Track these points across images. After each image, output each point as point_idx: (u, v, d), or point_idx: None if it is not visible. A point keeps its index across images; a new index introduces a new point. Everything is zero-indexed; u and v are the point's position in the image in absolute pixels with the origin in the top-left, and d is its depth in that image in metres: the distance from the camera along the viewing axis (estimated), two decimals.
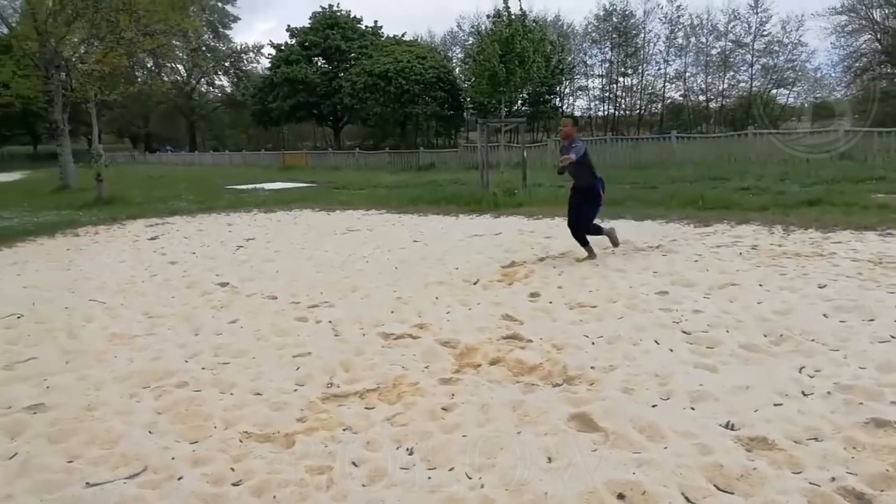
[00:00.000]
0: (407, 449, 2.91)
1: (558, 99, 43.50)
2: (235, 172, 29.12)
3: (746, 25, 40.21)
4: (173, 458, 2.91)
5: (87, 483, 2.73)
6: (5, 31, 21.71)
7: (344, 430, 3.14)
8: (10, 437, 3.24)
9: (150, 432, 3.21)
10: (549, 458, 2.76)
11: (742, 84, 42.00)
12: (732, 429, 2.90)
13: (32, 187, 21.93)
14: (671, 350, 3.95)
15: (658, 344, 4.06)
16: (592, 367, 3.72)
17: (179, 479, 2.74)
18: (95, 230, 10.89)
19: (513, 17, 19.04)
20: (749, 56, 40.70)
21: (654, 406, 3.18)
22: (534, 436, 2.95)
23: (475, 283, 5.95)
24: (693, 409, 3.14)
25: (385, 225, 10.57)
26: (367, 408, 3.40)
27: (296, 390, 3.68)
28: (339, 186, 18.84)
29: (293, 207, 13.33)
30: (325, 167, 30.22)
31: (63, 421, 3.37)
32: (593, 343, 4.17)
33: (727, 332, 4.21)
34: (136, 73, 36.76)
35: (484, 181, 13.89)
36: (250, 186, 19.45)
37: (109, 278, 6.99)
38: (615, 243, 6.82)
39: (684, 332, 4.24)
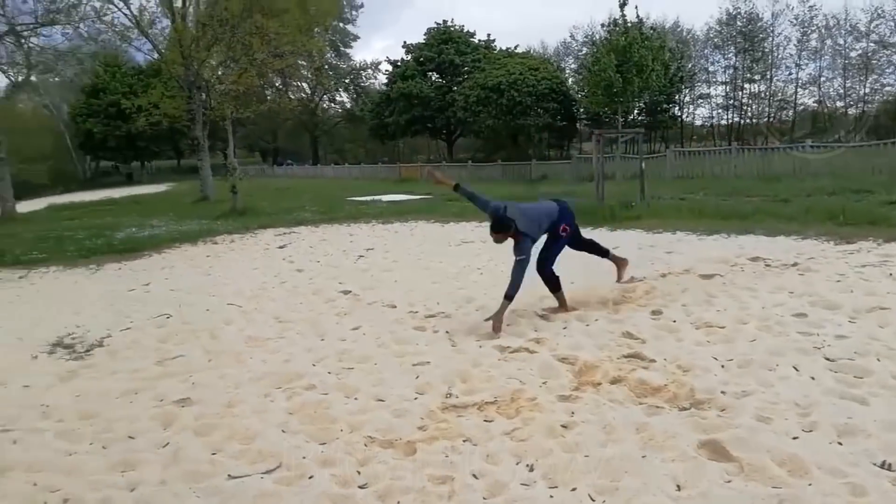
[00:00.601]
0: (527, 465, 2.90)
1: (678, 108, 41.76)
2: (354, 185, 30.41)
3: (893, 24, 36.61)
4: (304, 458, 3.08)
5: (229, 475, 2.95)
6: (156, 56, 23.99)
7: (464, 441, 3.17)
8: (164, 427, 3.57)
9: (283, 431, 3.41)
10: (679, 486, 2.64)
11: (888, 88, 38.23)
12: (890, 469, 2.63)
13: (176, 198, 24.09)
14: (813, 378, 3.65)
15: (797, 371, 3.77)
16: (723, 392, 3.52)
17: (310, 477, 2.89)
18: (231, 238, 11.77)
19: (629, 24, 18.57)
20: None
21: (794, 438, 2.96)
22: (660, 461, 2.84)
23: (590, 299, 5.82)
24: (841, 444, 2.88)
25: None
26: (485, 420, 3.42)
27: (416, 398, 3.77)
28: (452, 198, 19.13)
29: (409, 219, 13.70)
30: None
31: (207, 416, 3.66)
32: (723, 366, 3.95)
33: (878, 360, 3.83)
34: (266, 92, 39.47)
35: (599, 193, 13.58)
36: (369, 198, 20.23)
37: (244, 284, 7.52)
38: (561, 304, 5.47)
39: (827, 359, 3.90)
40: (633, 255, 7.86)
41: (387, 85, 46.17)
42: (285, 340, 5.14)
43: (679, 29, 43.63)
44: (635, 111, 33.34)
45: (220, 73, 22.02)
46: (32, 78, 19.79)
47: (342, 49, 54.64)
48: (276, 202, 19.17)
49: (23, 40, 17.27)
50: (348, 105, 57.45)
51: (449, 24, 44.43)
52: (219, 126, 22.76)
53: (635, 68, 16.90)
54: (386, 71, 48.09)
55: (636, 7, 27.56)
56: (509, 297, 4.98)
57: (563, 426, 3.27)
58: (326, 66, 50.38)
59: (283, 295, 6.88)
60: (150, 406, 3.88)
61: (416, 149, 57.32)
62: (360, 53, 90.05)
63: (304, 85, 52.30)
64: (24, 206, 21.72)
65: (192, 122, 22.03)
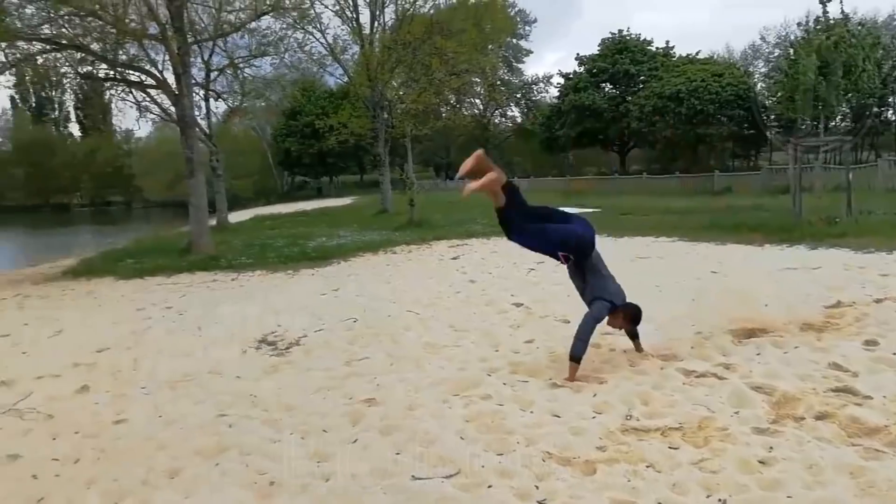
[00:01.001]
0: (720, 500, 2.69)
1: (891, 111, 36.59)
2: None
3: None
4: (482, 466, 3.12)
5: (413, 476, 3.08)
6: (346, 80, 26.09)
7: (647, 466, 3.02)
8: (352, 424, 3.83)
9: (461, 438, 3.50)
10: None
11: None
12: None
13: (359, 211, 25.96)
14: None
15: None
16: None
17: (489, 487, 2.93)
18: (409, 249, 12.41)
19: (833, 21, 16.64)
20: None
21: None
22: None
23: (788, 323, 5.27)
24: None
25: (677, 253, 10.03)
26: (670, 447, 3.23)
27: (594, 417, 3.67)
28: (625, 212, 18.50)
29: None
30: (610, 192, 29.98)
31: (390, 416, 3.86)
32: None
33: None
34: (441, 110, 41.20)
35: (796, 207, 12.32)
36: None
37: (421, 292, 7.88)
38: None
39: None
40: (840, 277, 7.02)
41: (558, 98, 45.96)
42: (461, 349, 5.29)
43: (895, 23, 38.33)
44: (838, 117, 29.81)
45: (401, 92, 23.41)
46: (245, 104, 22.47)
47: (514, 64, 55.42)
48: (449, 215, 19.87)
49: (239, 71, 19.83)
50: (519, 119, 58.06)
51: (624, 33, 43.20)
52: (399, 143, 24.19)
53: (842, 69, 15.08)
54: (557, 84, 47.91)
55: (840, 2, 24.71)
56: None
57: (760, 462, 2.99)
58: (499, 82, 51.41)
59: (458, 304, 7.09)
60: (340, 403, 4.19)
61: (585, 161, 56.31)
62: (533, 68, 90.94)
63: (477, 101, 53.80)
64: (233, 217, 24.71)
65: (376, 140, 23.65)
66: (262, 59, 19.86)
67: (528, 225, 4.34)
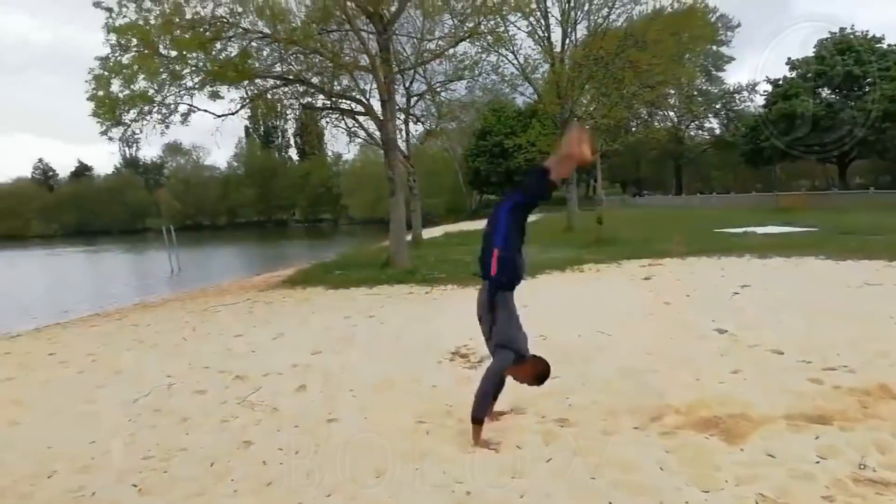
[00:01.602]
0: None
1: None
2: (722, 215, 28.37)
3: None
4: (687, 502, 2.94)
5: (610, 503, 2.99)
6: (535, 98, 26.36)
7: None
8: (545, 443, 3.82)
9: (660, 469, 3.32)
10: None
11: None
12: None
13: (545, 228, 25.94)
14: None
15: None
16: None
17: None
18: (596, 268, 12.13)
19: None
20: None
21: None
22: None
23: None
24: None
25: None
26: None
27: (818, 462, 3.28)
28: (847, 231, 16.32)
29: (791, 254, 12.14)
30: (828, 209, 26.68)
31: (584, 438, 3.79)
32: None
33: None
34: (632, 124, 39.82)
35: None
36: (740, 230, 18.64)
37: (611, 313, 7.64)
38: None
39: None
40: None
41: (764, 106, 42.11)
42: (657, 374, 5.03)
43: None
44: None
45: (591, 108, 23.08)
46: (440, 126, 23.73)
47: (714, 73, 51.93)
48: (639, 233, 19.10)
49: (436, 95, 21.04)
50: (717, 131, 54.17)
51: (847, 31, 38.40)
52: None
53: None
54: (764, 91, 43.94)
55: None
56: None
57: None
58: (696, 93, 48.48)
59: (652, 327, 6.76)
60: (532, 421, 4.21)
61: (795, 174, 50.76)
62: (735, 75, 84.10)
63: (671, 113, 51.20)
64: (426, 233, 26.05)
65: None
66: (458, 82, 20.87)
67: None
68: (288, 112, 17.68)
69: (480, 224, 30.25)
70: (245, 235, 53.33)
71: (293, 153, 76.10)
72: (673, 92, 37.38)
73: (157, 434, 4.64)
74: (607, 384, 4.87)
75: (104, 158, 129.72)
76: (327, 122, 18.00)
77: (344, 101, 15.10)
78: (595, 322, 7.17)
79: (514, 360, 3.92)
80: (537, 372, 3.98)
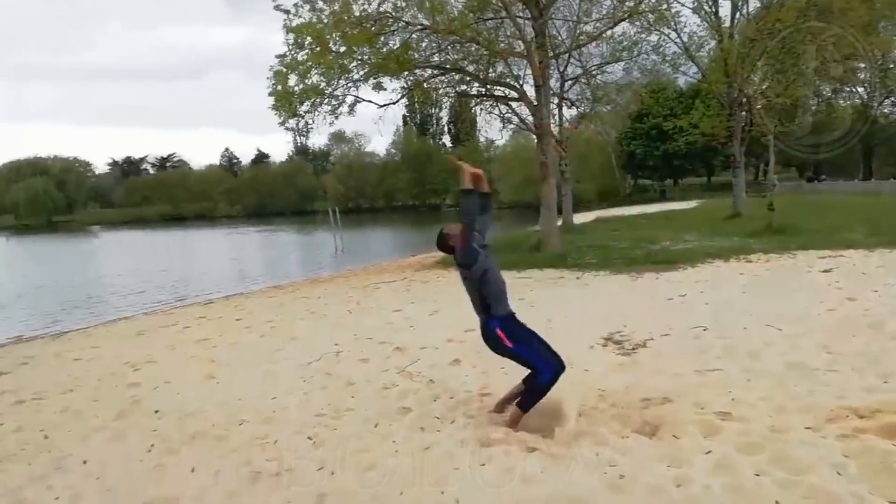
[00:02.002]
0: None
1: None
2: None
3: None
4: None
5: (777, 502, 2.83)
6: (699, 78, 24.71)
7: None
8: (704, 435, 3.67)
9: (838, 473, 3.07)
10: None
11: None
12: None
13: (707, 214, 24.39)
14: None
15: None
16: None
17: None
18: (766, 258, 11.22)
19: None
20: None
21: None
22: None
23: None
24: None
25: None
26: None
27: None
28: None
29: None
30: None
31: (751, 434, 3.59)
32: None
33: None
34: (811, 102, 35.90)
35: None
36: None
37: (783, 306, 7.05)
38: None
39: None
40: None
41: None
42: (837, 374, 4.60)
43: None
44: None
45: (764, 87, 21.21)
46: (594, 110, 23.09)
47: None
48: (817, 221, 17.31)
49: (591, 79, 20.49)
50: None
51: None
52: (757, 141, 21.97)
53: None
54: None
55: None
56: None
57: None
58: (892, 65, 42.57)
59: (832, 324, 6.16)
60: (691, 411, 4.05)
61: None
62: None
63: (860, 90, 45.43)
64: (577, 219, 25.59)
65: (730, 139, 21.92)
66: (615, 64, 20.14)
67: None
68: (443, 100, 18.16)
69: (635, 209, 29.47)
70: (400, 218, 55.89)
71: (447, 140, 78.18)
72: (864, 66, 33.12)
73: (327, 395, 5.10)
74: (776, 380, 4.54)
75: (279, 147, 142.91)
76: (481, 109, 18.24)
77: (498, 87, 15.23)
78: (764, 315, 6.67)
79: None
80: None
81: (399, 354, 6.27)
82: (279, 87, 12.64)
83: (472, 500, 3.12)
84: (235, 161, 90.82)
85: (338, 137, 75.05)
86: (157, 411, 5.01)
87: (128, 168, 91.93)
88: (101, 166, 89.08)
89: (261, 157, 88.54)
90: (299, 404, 4.91)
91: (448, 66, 13.84)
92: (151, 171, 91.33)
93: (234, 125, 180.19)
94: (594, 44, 17.57)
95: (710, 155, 47.67)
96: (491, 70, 14.66)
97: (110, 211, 78.51)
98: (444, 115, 68.84)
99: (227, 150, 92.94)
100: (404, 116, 73.00)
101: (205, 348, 7.47)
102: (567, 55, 19.20)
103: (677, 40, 20.87)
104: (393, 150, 75.82)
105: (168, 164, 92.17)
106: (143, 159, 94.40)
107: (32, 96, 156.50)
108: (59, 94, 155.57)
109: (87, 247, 40.94)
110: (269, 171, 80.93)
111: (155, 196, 77.26)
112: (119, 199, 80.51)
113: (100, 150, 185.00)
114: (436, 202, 71.16)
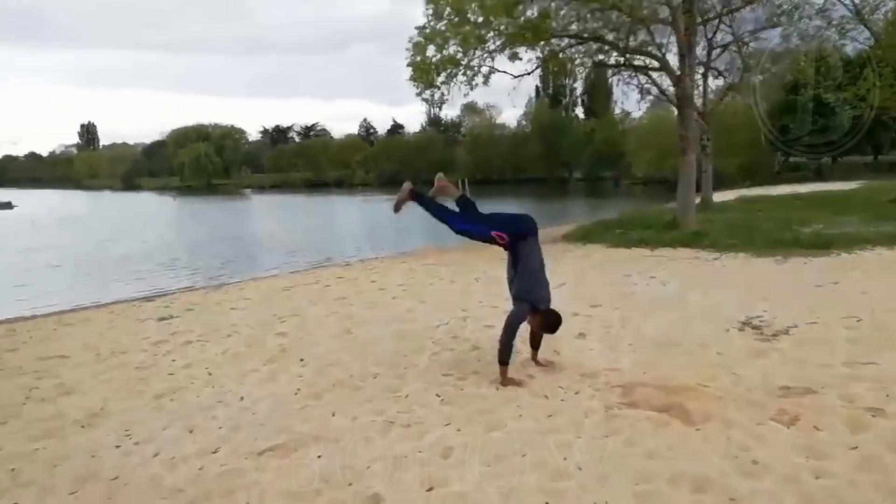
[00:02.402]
0: None
1: None
2: None
3: None
4: None
5: None
6: (871, 45, 22.07)
7: None
8: (851, 430, 3.44)
9: None
10: None
11: None
12: None
13: (871, 197, 21.99)
14: None
15: None
16: None
17: None
18: None
19: None
20: None
21: None
22: None
23: None
24: None
25: None
26: None
27: None
28: None
29: None
30: None
31: None
32: None
33: None
34: None
35: None
36: None
37: None
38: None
39: None
40: None
41: None
42: None
43: None
44: None
45: None
46: (744, 80, 21.37)
47: None
48: None
49: (743, 47, 18.96)
50: None
51: None
52: None
53: None
54: None
55: None
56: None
57: None
58: None
59: None
60: (837, 404, 3.81)
61: None
62: None
63: None
64: (717, 196, 24.07)
65: None
66: (771, 30, 18.45)
67: (474, 215, 4.74)
68: (578, 70, 17.64)
69: (785, 189, 27.20)
70: (527, 191, 55.49)
71: (579, 111, 76.06)
72: None
73: (453, 356, 5.33)
74: None
75: (413, 118, 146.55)
76: (618, 80, 17.53)
77: (638, 57, 14.58)
78: None
79: (530, 311, 4.60)
80: (548, 321, 4.67)
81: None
82: (417, 58, 12.96)
83: (594, 470, 3.17)
84: (372, 131, 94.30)
85: (469, 109, 75.44)
86: (301, 359, 5.49)
87: (276, 136, 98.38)
88: (253, 134, 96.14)
89: (396, 128, 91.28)
90: (428, 363, 5.17)
91: (586, 35, 13.43)
92: (297, 140, 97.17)
93: (371, 96, 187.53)
94: (748, 8, 16.21)
95: (878, 131, 42.62)
96: (631, 38, 14.04)
97: (259, 175, 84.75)
98: (578, 86, 66.84)
99: (365, 120, 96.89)
100: (537, 88, 71.80)
101: (343, 306, 8.00)
102: (717, 21, 17.88)
103: (847, 2, 18.72)
104: (524, 122, 75.03)
105: (312, 133, 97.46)
106: (290, 128, 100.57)
107: (197, 68, 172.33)
108: (219, 65, 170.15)
109: (240, 207, 44.67)
110: (403, 141, 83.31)
111: (299, 162, 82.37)
112: (268, 165, 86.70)
113: (253, 118, 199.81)
114: (564, 175, 69.78)
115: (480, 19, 12.12)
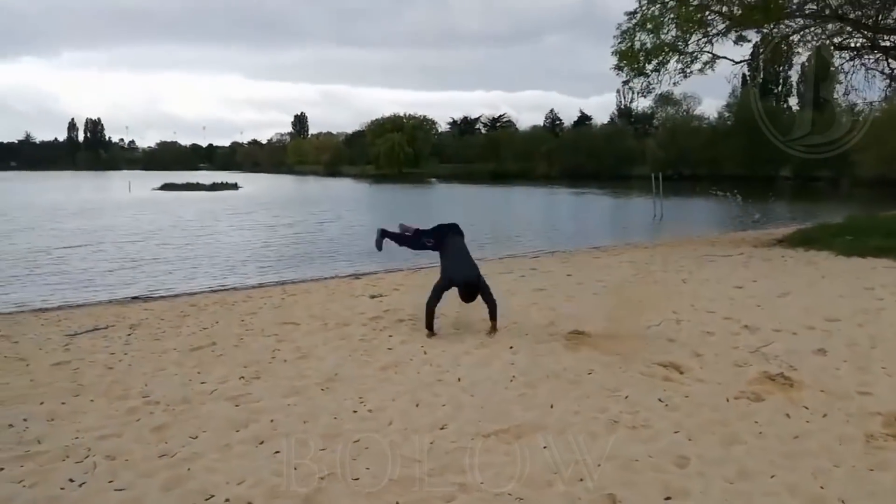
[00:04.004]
0: None
1: None
2: None
3: None
4: None
5: None
6: None
7: None
8: None
9: None
10: None
11: None
12: None
13: None
14: None
15: None
16: None
17: None
18: None
19: None
20: None
21: None
22: None
23: None
24: None
25: None
26: None
27: None
28: None
29: None
30: None
31: None
32: None
33: None
34: None
35: None
36: None
37: None
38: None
39: None
40: None
41: None
42: None
43: None
44: None
45: None
46: None
47: None
48: None
49: None
50: None
51: None
52: None
53: None
54: None
55: None
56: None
57: None
58: None
59: None
60: None
61: None
62: None
63: None
64: None
65: None
66: None
67: (419, 239, 6.59)
68: (799, 52, 15.66)
69: None
70: (726, 189, 51.26)
71: (793, 101, 68.32)
72: None
73: (673, 359, 5.01)
74: None
75: (601, 110, 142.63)
76: (858, 65, 15.32)
77: (887, 37, 12.64)
78: None
79: (446, 285, 6.01)
80: (461, 293, 6.02)
81: (748, 333, 5.83)
82: (624, 46, 12.43)
83: None
84: (558, 122, 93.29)
85: (664, 99, 71.37)
86: (511, 347, 5.54)
87: (464, 127, 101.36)
88: (442, 125, 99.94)
89: (583, 120, 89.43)
90: (642, 364, 4.93)
91: (827, 14, 11.88)
92: (483, 131, 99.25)
93: (557, 87, 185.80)
94: None
95: None
96: (881, 16, 12.18)
97: (446, 165, 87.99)
98: (794, 73, 59.98)
99: (551, 111, 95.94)
100: (743, 76, 65.74)
101: (543, 297, 7.97)
102: None
103: None
104: (727, 114, 69.19)
105: (498, 125, 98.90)
106: (477, 119, 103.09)
107: (395, 63, 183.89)
108: (416, 60, 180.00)
109: (430, 195, 46.75)
110: (589, 133, 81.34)
111: (484, 153, 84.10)
112: (454, 155, 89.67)
113: (443, 110, 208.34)
114: (770, 173, 63.25)
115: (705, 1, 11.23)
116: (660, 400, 4.17)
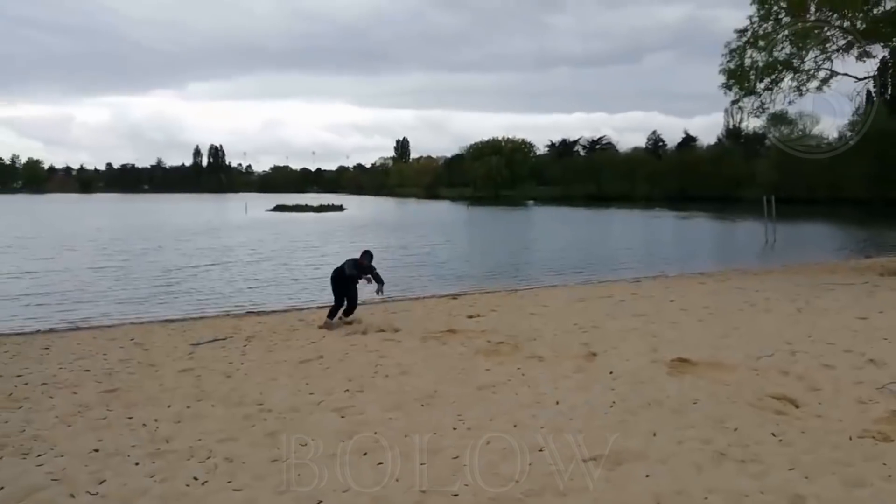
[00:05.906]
0: None
1: None
2: None
3: None
4: None
5: None
6: None
7: None
8: None
9: None
10: None
11: None
12: None
13: None
14: None
15: None
16: None
17: None
18: None
19: None
20: None
21: None
22: None
23: None
24: None
25: None
26: None
27: None
28: None
29: None
30: None
31: None
32: None
33: None
34: None
35: None
36: None
37: None
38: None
39: None
40: None
41: None
42: None
43: None
44: None
45: None
46: None
47: None
48: None
49: None
50: None
51: None
52: None
53: None
54: None
55: None
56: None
57: None
58: None
59: None
60: None
61: None
62: None
63: None
64: None
65: None
66: None
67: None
68: None
69: None
70: (846, 213, 47.42)
71: None
72: None
73: (785, 392, 4.72)
74: None
75: (706, 130, 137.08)
76: None
77: None
78: None
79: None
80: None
81: (873, 367, 5.40)
82: (734, 64, 11.96)
83: None
84: (661, 144, 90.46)
85: (777, 118, 67.50)
86: (611, 372, 5.44)
87: (563, 149, 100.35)
88: (541, 147, 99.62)
89: (687, 141, 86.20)
90: (752, 396, 4.68)
91: None
92: (582, 153, 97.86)
93: (659, 107, 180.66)
94: None
95: None
96: None
97: (543, 188, 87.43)
98: None
99: (654, 132, 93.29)
100: (868, 92, 61.09)
101: (643, 322, 7.75)
102: None
103: None
104: (849, 133, 64.36)
105: (598, 146, 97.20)
106: (576, 142, 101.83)
107: (495, 87, 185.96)
108: (515, 83, 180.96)
109: (524, 217, 46.59)
110: (694, 154, 78.22)
111: (583, 176, 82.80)
112: (552, 178, 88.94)
113: (543, 133, 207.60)
114: None
115: (823, 15, 10.62)
116: (773, 434, 3.95)
